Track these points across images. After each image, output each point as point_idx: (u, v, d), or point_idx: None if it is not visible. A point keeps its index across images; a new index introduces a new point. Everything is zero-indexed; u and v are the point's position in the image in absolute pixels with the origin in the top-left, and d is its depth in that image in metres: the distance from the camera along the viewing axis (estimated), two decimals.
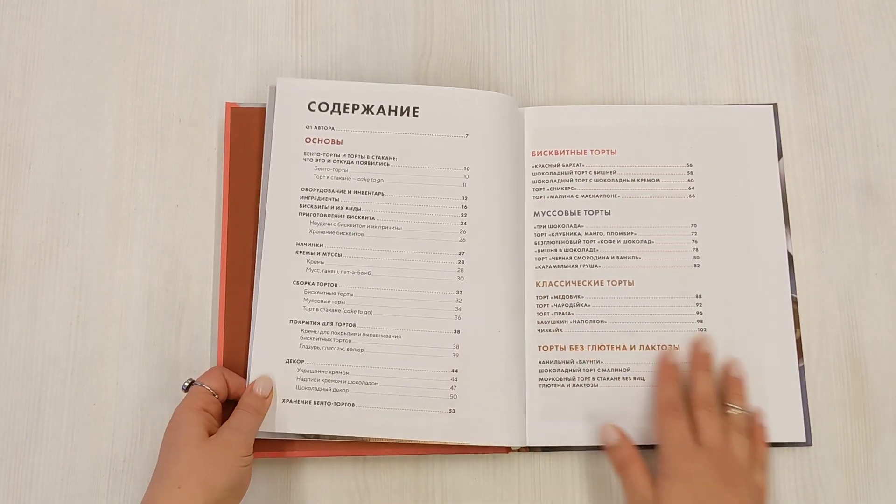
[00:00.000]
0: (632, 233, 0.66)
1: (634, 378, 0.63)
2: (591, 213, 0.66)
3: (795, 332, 0.65)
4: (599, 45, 0.72)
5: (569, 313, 0.64)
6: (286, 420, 0.61)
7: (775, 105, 0.69)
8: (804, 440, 0.63)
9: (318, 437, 0.61)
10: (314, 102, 0.66)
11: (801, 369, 0.65)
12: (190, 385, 0.59)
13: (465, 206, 0.65)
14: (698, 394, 0.59)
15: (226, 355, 0.63)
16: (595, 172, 0.67)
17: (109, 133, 0.69)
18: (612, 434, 0.60)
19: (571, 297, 0.65)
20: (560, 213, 0.66)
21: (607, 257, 0.65)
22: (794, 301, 0.65)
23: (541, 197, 0.66)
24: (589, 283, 0.65)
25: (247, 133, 0.66)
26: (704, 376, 0.61)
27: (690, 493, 0.55)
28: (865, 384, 0.65)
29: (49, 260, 0.66)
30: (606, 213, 0.66)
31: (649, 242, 0.66)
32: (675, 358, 0.62)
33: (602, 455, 0.64)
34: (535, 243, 0.66)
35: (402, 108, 0.66)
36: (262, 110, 0.67)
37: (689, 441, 0.57)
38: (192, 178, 0.68)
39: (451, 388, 0.62)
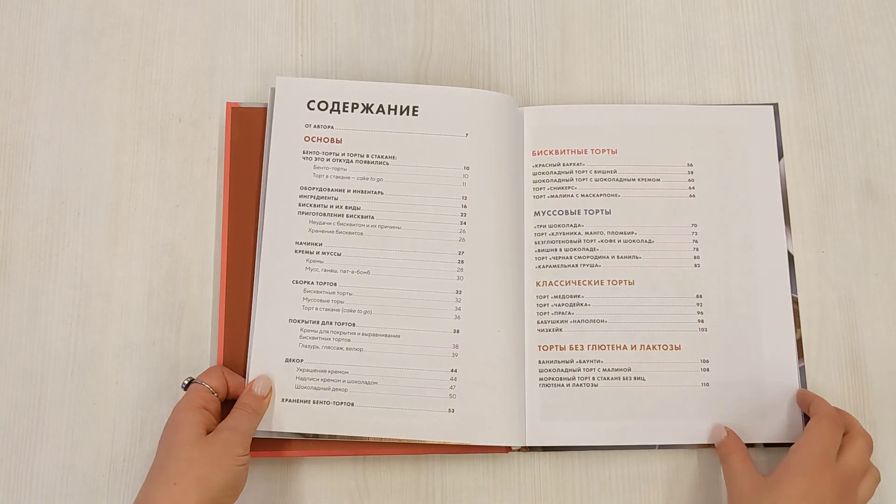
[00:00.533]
0: (632, 232, 0.66)
1: (635, 378, 0.63)
2: (591, 212, 0.66)
3: (796, 332, 0.65)
4: (599, 45, 0.72)
5: (569, 313, 0.64)
6: (285, 419, 0.61)
7: (775, 105, 0.69)
8: None
9: (317, 436, 0.61)
10: (313, 101, 0.66)
11: (802, 369, 0.64)
12: (189, 383, 0.59)
13: (465, 206, 0.65)
14: (860, 427, 0.60)
15: (226, 355, 0.63)
16: (595, 172, 0.67)
17: (109, 133, 0.69)
18: (721, 431, 0.62)
19: (571, 296, 0.65)
20: (560, 212, 0.66)
21: (607, 257, 0.65)
22: (795, 301, 0.65)
23: (541, 196, 0.66)
24: (589, 282, 0.65)
25: (247, 133, 0.66)
26: (861, 426, 0.61)
27: (811, 492, 0.55)
28: (865, 384, 0.65)
29: (49, 260, 0.66)
30: (607, 213, 0.66)
31: (649, 242, 0.66)
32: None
33: (602, 454, 0.64)
34: (536, 243, 0.66)
35: (401, 107, 0.66)
36: (263, 110, 0.67)
37: (833, 453, 0.57)
38: (192, 178, 0.68)
39: (451, 387, 0.62)
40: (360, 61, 0.71)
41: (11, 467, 0.63)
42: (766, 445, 0.63)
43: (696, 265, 0.65)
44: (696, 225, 0.66)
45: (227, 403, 0.60)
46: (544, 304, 0.65)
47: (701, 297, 0.65)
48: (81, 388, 0.64)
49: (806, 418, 0.63)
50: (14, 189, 0.67)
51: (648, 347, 0.64)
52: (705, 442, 0.63)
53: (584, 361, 0.64)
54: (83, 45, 0.70)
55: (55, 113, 0.69)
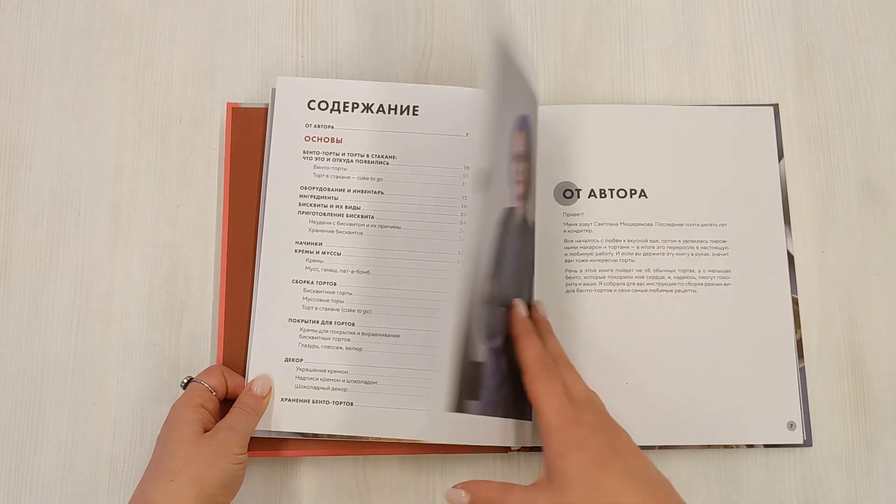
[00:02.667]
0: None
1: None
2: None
3: (796, 332, 0.65)
4: (599, 45, 0.72)
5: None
6: (284, 419, 0.61)
7: (776, 105, 0.69)
8: (805, 441, 0.63)
9: (316, 436, 0.61)
10: (314, 101, 0.66)
11: (802, 370, 0.64)
12: (188, 382, 0.59)
13: (465, 206, 0.64)
14: (559, 353, 0.56)
15: (226, 355, 0.63)
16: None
17: (110, 133, 0.69)
18: (459, 496, 0.52)
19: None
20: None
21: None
22: (795, 301, 0.65)
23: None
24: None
25: (247, 133, 0.66)
26: (552, 337, 0.58)
27: (589, 457, 0.49)
28: (866, 384, 0.65)
29: (49, 260, 0.66)
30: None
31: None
32: (524, 311, 0.57)
33: None
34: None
35: (401, 107, 0.66)
36: (263, 110, 0.67)
37: (568, 404, 0.52)
38: (192, 178, 0.68)
39: None
40: (360, 61, 0.71)
41: (11, 467, 0.63)
42: (767, 446, 0.63)
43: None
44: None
45: (226, 403, 0.60)
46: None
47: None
48: (81, 388, 0.64)
49: (807, 419, 0.63)
50: (14, 189, 0.67)
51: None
52: (706, 443, 0.62)
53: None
54: (83, 45, 0.70)
55: (55, 113, 0.69)
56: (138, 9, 0.71)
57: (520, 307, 0.57)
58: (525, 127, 0.60)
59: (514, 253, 0.58)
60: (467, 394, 0.53)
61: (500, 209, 0.56)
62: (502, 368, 0.56)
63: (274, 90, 0.66)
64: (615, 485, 0.48)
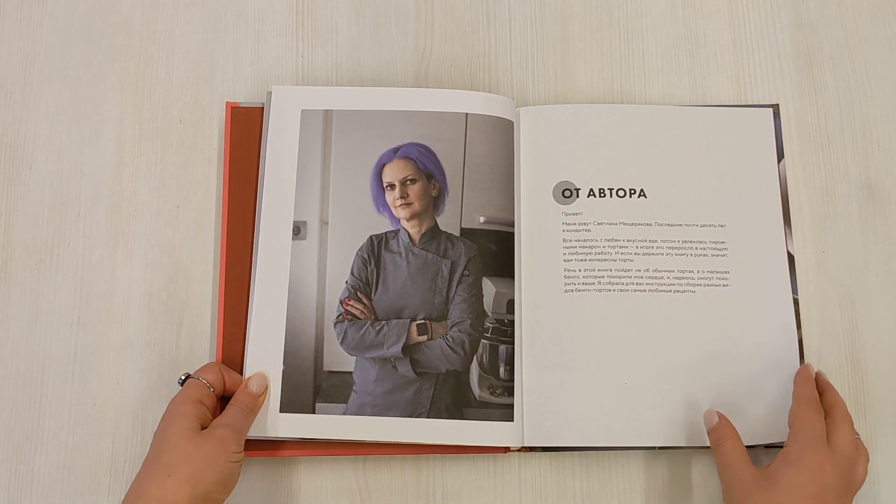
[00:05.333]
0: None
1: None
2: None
3: (796, 332, 0.65)
4: (599, 45, 0.72)
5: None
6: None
7: (776, 106, 0.69)
8: None
9: (314, 439, 0.61)
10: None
11: None
12: (186, 378, 0.59)
13: None
14: (840, 404, 0.60)
15: (225, 354, 0.63)
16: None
17: (110, 133, 0.69)
18: (713, 416, 0.60)
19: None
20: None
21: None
22: (795, 301, 0.65)
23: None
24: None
25: (247, 133, 0.66)
26: (837, 394, 0.61)
27: (811, 483, 0.54)
28: (866, 384, 0.65)
29: (50, 260, 0.66)
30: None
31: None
32: (813, 370, 0.62)
33: (602, 454, 0.64)
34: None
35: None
36: (263, 110, 0.67)
37: (823, 439, 0.57)
38: (192, 178, 0.68)
39: None
40: (360, 62, 0.71)
41: (12, 467, 0.63)
42: (767, 446, 0.63)
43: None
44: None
45: (224, 400, 0.60)
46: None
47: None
48: (82, 388, 0.64)
49: None
50: (15, 190, 0.67)
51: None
52: (706, 443, 0.62)
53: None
54: (83, 45, 0.70)
55: (55, 113, 0.69)
56: (138, 9, 0.71)
57: (806, 371, 0.61)
58: (408, 154, 0.65)
59: (401, 271, 0.63)
60: (328, 398, 0.61)
61: (362, 239, 0.64)
62: (396, 375, 0.62)
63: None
64: None
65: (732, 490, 0.56)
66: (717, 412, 0.60)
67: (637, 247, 0.66)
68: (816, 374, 0.62)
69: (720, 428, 0.60)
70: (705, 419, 0.61)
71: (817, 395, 0.60)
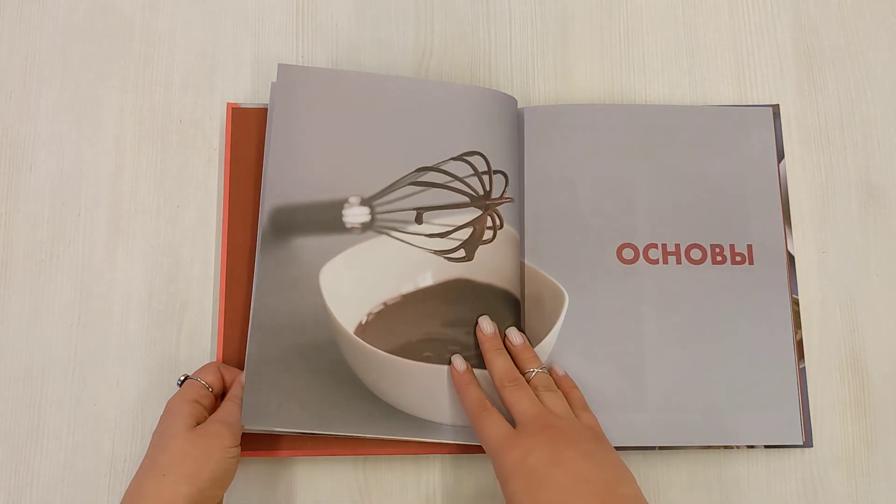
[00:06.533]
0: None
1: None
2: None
3: (796, 333, 0.65)
4: (599, 45, 0.72)
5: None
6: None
7: (776, 106, 0.69)
8: (805, 441, 0.63)
9: (314, 434, 0.61)
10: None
11: (802, 370, 0.64)
12: (184, 380, 0.59)
13: None
14: (498, 373, 0.58)
15: (225, 354, 0.63)
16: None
17: (110, 133, 0.69)
18: (458, 361, 0.59)
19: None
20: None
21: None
22: (795, 302, 0.65)
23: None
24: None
25: (247, 133, 0.66)
26: (497, 355, 0.59)
27: (531, 478, 0.51)
28: (866, 385, 0.65)
29: (50, 261, 0.66)
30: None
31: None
32: (462, 365, 0.60)
33: None
34: None
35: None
36: (263, 110, 0.67)
37: (508, 430, 0.55)
38: (192, 178, 0.68)
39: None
40: (360, 62, 0.71)
41: (12, 468, 0.63)
42: (767, 447, 0.63)
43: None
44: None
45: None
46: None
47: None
48: (82, 388, 0.64)
49: (807, 420, 0.63)
50: (15, 190, 0.67)
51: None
52: (706, 443, 0.62)
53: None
54: (83, 45, 0.70)
55: (55, 113, 0.69)
56: (138, 9, 0.71)
57: (483, 325, 0.61)
58: None
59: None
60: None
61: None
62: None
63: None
64: (571, 456, 0.52)
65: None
66: (460, 357, 0.60)
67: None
68: (481, 338, 0.60)
69: (461, 376, 0.59)
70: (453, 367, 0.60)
71: (476, 393, 0.58)
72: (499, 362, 0.59)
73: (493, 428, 0.55)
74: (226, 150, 0.66)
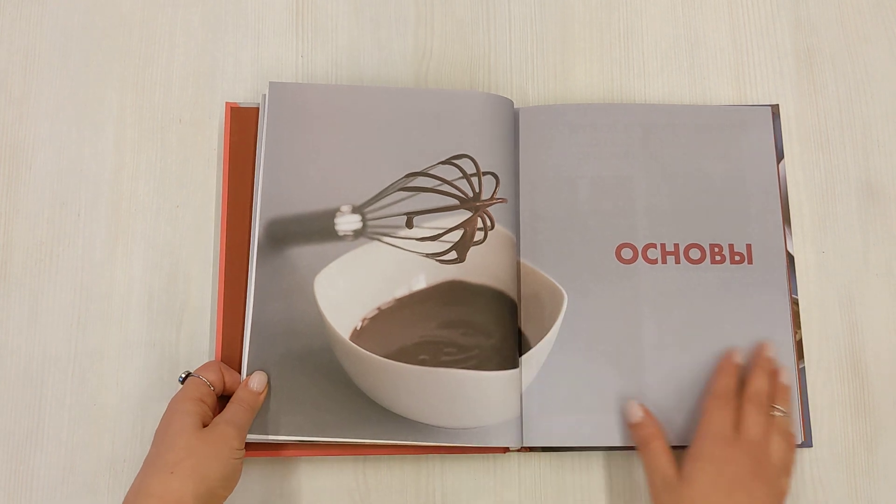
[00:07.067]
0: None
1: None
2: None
3: (796, 333, 0.65)
4: (599, 45, 0.72)
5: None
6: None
7: (776, 106, 0.69)
8: (805, 441, 0.63)
9: (312, 442, 0.61)
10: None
11: (802, 370, 0.64)
12: (186, 377, 0.59)
13: None
14: (752, 388, 0.60)
15: (224, 354, 0.63)
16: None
17: (110, 133, 0.69)
18: (636, 411, 0.61)
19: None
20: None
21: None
22: (795, 302, 0.65)
23: None
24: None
25: (247, 133, 0.66)
26: (762, 375, 0.61)
27: (721, 476, 0.55)
28: (866, 385, 0.65)
29: (49, 261, 0.66)
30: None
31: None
32: (738, 358, 0.62)
33: (602, 454, 0.64)
34: None
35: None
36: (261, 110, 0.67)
37: (729, 430, 0.57)
38: (192, 178, 0.68)
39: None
40: (360, 62, 0.71)
41: (12, 468, 0.63)
42: None
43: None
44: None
45: (224, 399, 0.60)
46: None
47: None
48: (82, 388, 0.64)
49: (807, 420, 0.63)
50: (14, 190, 0.67)
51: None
52: None
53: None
54: (83, 45, 0.70)
55: (55, 113, 0.69)
56: (138, 9, 0.71)
57: (725, 363, 0.62)
58: None
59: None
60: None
61: None
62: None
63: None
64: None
65: (658, 494, 0.57)
66: (641, 406, 0.61)
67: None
68: (759, 354, 0.62)
69: (647, 427, 0.60)
70: (626, 413, 0.61)
71: (730, 386, 0.60)
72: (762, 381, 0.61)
73: (718, 419, 0.58)
74: (225, 149, 0.66)
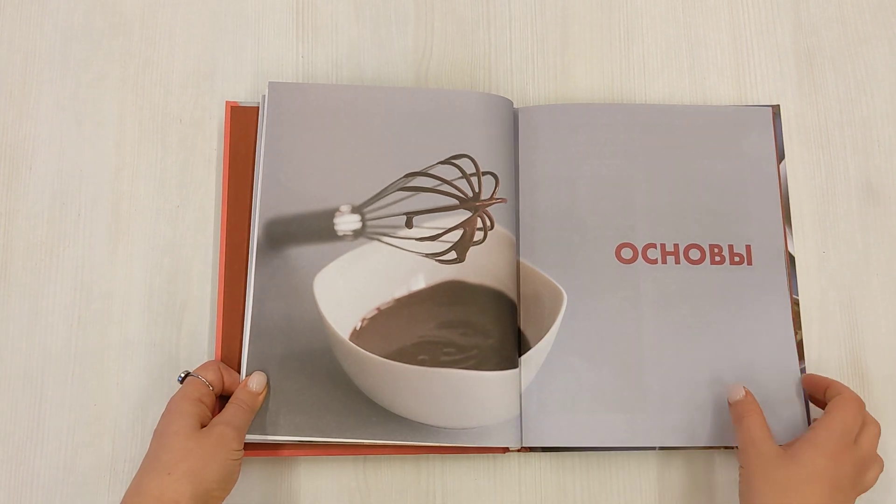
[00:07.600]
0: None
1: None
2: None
3: (796, 333, 0.65)
4: (600, 46, 0.72)
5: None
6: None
7: (776, 106, 0.69)
8: None
9: (312, 442, 0.61)
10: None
11: (803, 371, 0.64)
12: (186, 376, 0.59)
13: None
14: (873, 418, 0.60)
15: (224, 354, 0.63)
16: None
17: (110, 133, 0.69)
18: (739, 389, 0.61)
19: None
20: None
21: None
22: (795, 303, 0.65)
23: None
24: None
25: (247, 132, 0.66)
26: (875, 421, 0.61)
27: (829, 471, 0.55)
28: (866, 385, 0.65)
29: (50, 260, 0.66)
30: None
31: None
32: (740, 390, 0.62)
33: (602, 454, 0.64)
34: None
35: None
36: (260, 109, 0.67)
37: (852, 436, 0.58)
38: (192, 178, 0.68)
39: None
40: (360, 62, 0.71)
41: (12, 468, 0.63)
42: None
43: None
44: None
45: (223, 399, 0.60)
46: None
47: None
48: (82, 388, 0.64)
49: (808, 421, 0.63)
50: (14, 190, 0.67)
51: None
52: (706, 443, 0.62)
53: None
54: (83, 45, 0.70)
55: (55, 113, 0.69)
56: (138, 9, 0.71)
57: (735, 391, 0.61)
58: None
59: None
60: None
61: None
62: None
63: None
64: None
65: (752, 464, 0.57)
66: (744, 386, 0.61)
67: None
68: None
69: (745, 402, 0.60)
70: (730, 392, 0.61)
71: (859, 397, 0.60)
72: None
73: (851, 421, 0.58)
74: (225, 149, 0.66)
